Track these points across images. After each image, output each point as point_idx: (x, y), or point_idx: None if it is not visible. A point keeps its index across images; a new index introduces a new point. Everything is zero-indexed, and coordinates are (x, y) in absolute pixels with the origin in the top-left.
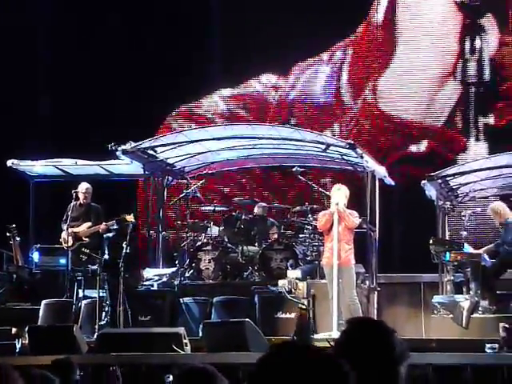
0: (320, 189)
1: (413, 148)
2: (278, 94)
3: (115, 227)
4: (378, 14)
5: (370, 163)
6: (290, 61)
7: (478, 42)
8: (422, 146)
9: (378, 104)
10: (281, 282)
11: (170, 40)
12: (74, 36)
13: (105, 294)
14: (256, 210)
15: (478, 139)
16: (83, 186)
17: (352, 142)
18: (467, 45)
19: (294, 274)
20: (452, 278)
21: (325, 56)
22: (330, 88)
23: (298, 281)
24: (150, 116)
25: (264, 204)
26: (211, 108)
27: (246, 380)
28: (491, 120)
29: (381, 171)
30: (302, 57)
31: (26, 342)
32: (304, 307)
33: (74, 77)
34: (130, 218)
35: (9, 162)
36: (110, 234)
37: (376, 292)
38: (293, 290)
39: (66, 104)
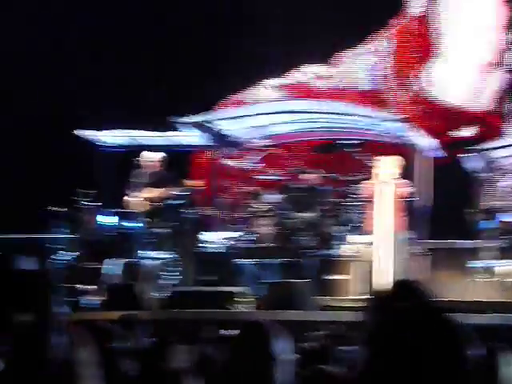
0: (371, 160)
1: (459, 133)
2: (323, 83)
3: (180, 194)
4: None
5: (418, 137)
6: (335, 49)
7: None
8: (468, 131)
9: (424, 92)
10: (344, 247)
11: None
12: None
13: (173, 256)
14: (311, 178)
15: None
16: (153, 155)
17: (403, 117)
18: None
19: (356, 238)
20: (490, 244)
21: (370, 44)
22: (375, 76)
23: (360, 245)
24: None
25: (318, 173)
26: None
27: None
28: None
29: (431, 144)
30: (347, 45)
31: (101, 299)
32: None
33: (141, 48)
34: (193, 184)
35: (80, 132)
36: (178, 200)
37: (424, 257)
38: (355, 254)
39: (134, 74)
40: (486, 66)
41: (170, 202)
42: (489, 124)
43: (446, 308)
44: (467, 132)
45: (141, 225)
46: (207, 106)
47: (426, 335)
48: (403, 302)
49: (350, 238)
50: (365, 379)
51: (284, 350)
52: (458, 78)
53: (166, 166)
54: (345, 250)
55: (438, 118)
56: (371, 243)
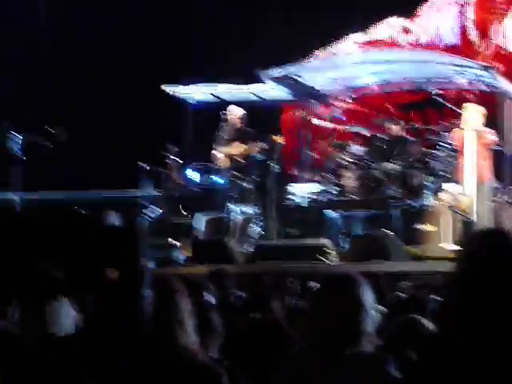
0: (456, 109)
1: None
2: (408, 36)
3: (265, 148)
4: None
5: (505, 84)
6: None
7: None
8: None
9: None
10: (444, 196)
11: None
12: None
13: (258, 210)
14: (396, 129)
15: None
16: (237, 111)
17: (487, 64)
18: None
19: (456, 188)
20: None
21: None
22: (457, 29)
23: (460, 195)
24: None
25: (404, 124)
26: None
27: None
28: None
29: None
30: None
31: (188, 253)
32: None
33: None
34: (278, 139)
35: (167, 89)
36: (263, 156)
37: (510, 206)
38: (455, 204)
39: (219, 30)
40: None
41: (255, 157)
42: None
43: None
44: None
45: (223, 180)
46: (292, 59)
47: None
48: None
49: (446, 186)
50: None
51: (370, 300)
52: None
53: (247, 121)
54: (440, 199)
55: None
56: (465, 192)
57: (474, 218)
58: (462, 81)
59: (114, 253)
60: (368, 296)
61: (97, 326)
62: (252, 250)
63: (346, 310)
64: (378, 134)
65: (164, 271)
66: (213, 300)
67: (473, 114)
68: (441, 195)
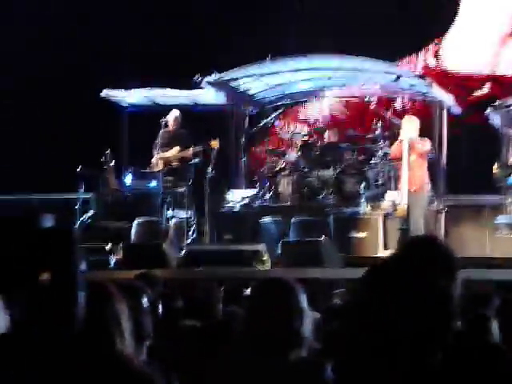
0: (391, 117)
1: (475, 94)
2: None
3: (201, 152)
4: None
5: (438, 93)
6: None
7: None
8: (484, 89)
9: (440, 64)
10: (384, 205)
11: None
12: None
13: (192, 215)
14: (332, 136)
15: None
16: (173, 114)
17: (421, 73)
18: None
19: (392, 196)
20: None
21: None
22: None
23: (399, 204)
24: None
25: (338, 131)
26: None
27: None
28: None
29: (448, 100)
30: None
31: (120, 257)
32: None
33: (162, 6)
34: (215, 143)
35: (103, 92)
36: (197, 159)
37: (443, 213)
38: (393, 212)
39: (157, 34)
40: (503, 36)
41: (191, 161)
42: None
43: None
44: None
45: (158, 185)
46: (230, 65)
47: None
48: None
49: (388, 195)
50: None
51: (305, 305)
52: (475, 48)
53: (181, 124)
54: (379, 206)
55: (452, 86)
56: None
57: (411, 226)
58: (397, 89)
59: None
60: (303, 301)
61: (28, 328)
62: (185, 255)
63: (283, 316)
64: (310, 141)
65: (97, 275)
66: (146, 304)
67: (407, 124)
68: (382, 203)
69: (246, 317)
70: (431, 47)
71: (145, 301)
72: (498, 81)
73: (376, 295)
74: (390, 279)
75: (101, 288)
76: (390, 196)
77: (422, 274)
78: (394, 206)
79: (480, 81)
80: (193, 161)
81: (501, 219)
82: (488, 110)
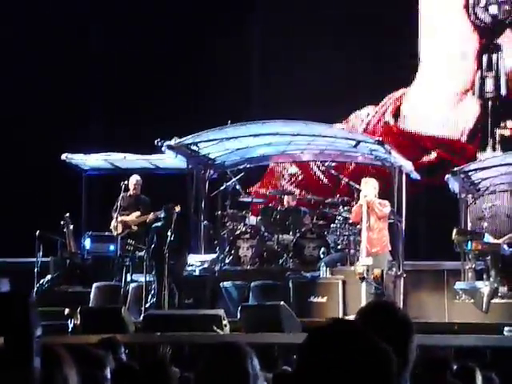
0: (350, 182)
1: (424, 158)
2: None
3: (162, 216)
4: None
5: (398, 159)
6: None
7: (494, 60)
8: (432, 155)
9: (398, 123)
10: (359, 269)
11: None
12: (125, 28)
13: (151, 279)
14: (291, 201)
15: (494, 149)
16: (134, 178)
17: (380, 139)
18: (484, 62)
19: (366, 261)
20: (473, 265)
21: None
22: None
23: (373, 268)
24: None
25: (298, 195)
26: None
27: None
28: (506, 132)
29: (407, 166)
30: None
31: (78, 322)
32: None
33: (124, 72)
34: (175, 207)
35: (63, 156)
36: (159, 223)
37: (402, 278)
38: (367, 276)
39: (117, 100)
40: (459, 94)
41: (151, 225)
42: (452, 149)
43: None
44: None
45: (114, 248)
46: (190, 130)
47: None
48: (380, 320)
49: (362, 259)
50: None
51: (257, 370)
52: (431, 106)
53: (142, 189)
54: (363, 272)
55: (405, 147)
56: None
57: (362, 290)
58: (357, 154)
59: (3, 320)
60: (256, 367)
61: None
62: (144, 320)
63: (233, 381)
64: (271, 205)
65: (52, 340)
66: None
67: (365, 186)
68: (357, 268)
69: (196, 382)
70: (391, 106)
71: (107, 371)
72: (448, 145)
73: (314, 361)
74: (329, 345)
75: (51, 353)
76: (364, 261)
77: (367, 339)
78: (369, 270)
79: (433, 143)
80: (154, 224)
81: (460, 285)
82: (447, 176)
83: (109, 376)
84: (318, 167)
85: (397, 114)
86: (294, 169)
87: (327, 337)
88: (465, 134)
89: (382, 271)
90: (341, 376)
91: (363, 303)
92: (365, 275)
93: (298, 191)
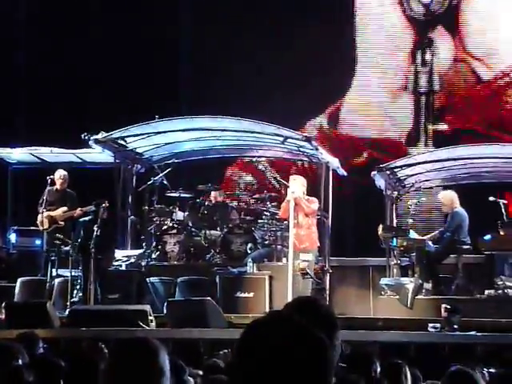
0: (278, 178)
1: (356, 159)
2: None
3: (92, 210)
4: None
5: (325, 155)
6: None
7: (428, 55)
8: (363, 156)
9: (334, 128)
10: (302, 265)
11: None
12: (53, 23)
13: (77, 274)
14: (218, 196)
15: (426, 145)
16: (60, 173)
17: (308, 135)
18: (419, 57)
19: (307, 256)
20: (398, 261)
21: None
22: None
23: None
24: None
25: (225, 191)
26: None
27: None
28: (440, 127)
29: (334, 163)
30: None
31: (3, 316)
32: None
33: (50, 65)
34: (102, 202)
35: None
36: (87, 218)
37: (328, 274)
38: (309, 271)
39: (43, 93)
40: (394, 89)
41: (78, 220)
42: (382, 147)
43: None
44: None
45: (40, 242)
46: (118, 124)
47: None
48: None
49: (302, 255)
50: None
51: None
52: (367, 107)
53: (68, 184)
54: (300, 266)
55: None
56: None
57: (289, 286)
58: (284, 150)
59: None
60: (165, 363)
61: None
62: (69, 314)
63: (140, 377)
64: (198, 200)
65: None
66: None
67: (293, 183)
68: (299, 263)
69: (104, 376)
70: (326, 111)
71: (19, 363)
72: (380, 144)
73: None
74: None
75: None
76: (305, 256)
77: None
78: (312, 264)
79: (366, 144)
80: (82, 219)
81: (385, 281)
82: (373, 173)
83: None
84: (274, 177)
85: (334, 118)
86: (249, 177)
87: (264, 328)
88: (400, 131)
89: (323, 266)
90: (280, 366)
91: (289, 299)
92: (308, 271)
93: (225, 188)
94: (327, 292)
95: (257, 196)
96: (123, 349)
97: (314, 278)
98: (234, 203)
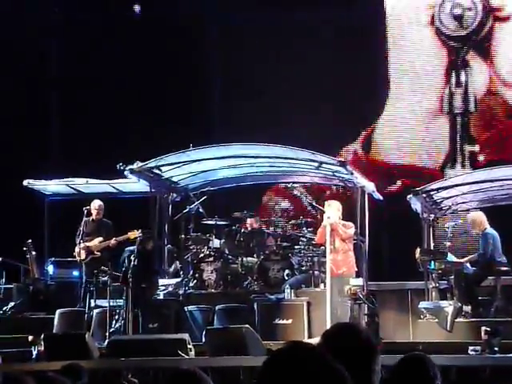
0: (314, 203)
1: (390, 187)
2: None
3: (124, 241)
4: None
5: (360, 179)
6: None
7: (463, 76)
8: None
9: (369, 153)
10: (353, 289)
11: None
12: (86, 55)
13: (115, 304)
14: (254, 223)
15: (463, 166)
16: (95, 203)
17: (343, 160)
18: (453, 79)
19: (357, 281)
20: (437, 285)
21: None
22: None
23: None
24: (160, 138)
25: (261, 218)
26: None
27: (255, 378)
28: (476, 148)
29: (370, 187)
30: None
31: (42, 348)
32: None
33: (86, 97)
34: (134, 233)
35: (25, 182)
36: (132, 248)
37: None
38: (361, 296)
39: (78, 124)
40: (429, 113)
41: (119, 249)
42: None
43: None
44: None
45: (78, 274)
46: (153, 154)
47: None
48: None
49: (352, 280)
50: None
51: None
52: (402, 131)
53: (104, 214)
54: (352, 290)
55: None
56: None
57: (328, 311)
58: (319, 176)
59: None
60: None
61: None
62: (108, 345)
63: None
64: (234, 227)
65: (16, 367)
66: None
67: (329, 209)
68: (351, 288)
69: None
70: (361, 136)
71: None
72: (414, 172)
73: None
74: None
75: (14, 379)
76: (355, 281)
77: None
78: (363, 289)
79: (401, 170)
80: (127, 248)
81: (424, 304)
82: (409, 196)
83: None
84: (309, 202)
85: (368, 143)
86: (285, 203)
87: (284, 360)
88: (436, 154)
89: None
90: None
91: (328, 325)
92: (360, 295)
93: (262, 214)
94: (365, 317)
95: (293, 222)
96: (176, 381)
97: (367, 302)
98: (271, 229)
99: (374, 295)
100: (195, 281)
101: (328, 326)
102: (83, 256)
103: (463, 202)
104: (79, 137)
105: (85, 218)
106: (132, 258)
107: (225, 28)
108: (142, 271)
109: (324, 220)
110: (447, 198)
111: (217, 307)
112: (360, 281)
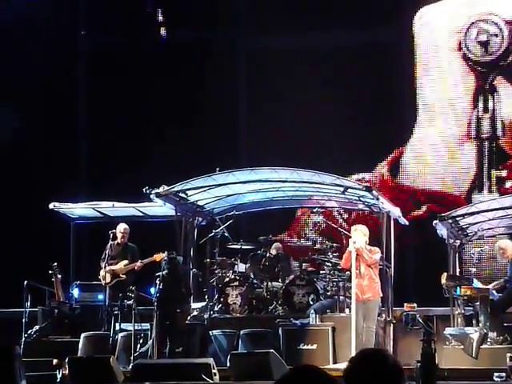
0: (339, 228)
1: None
2: None
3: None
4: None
5: (386, 204)
6: None
7: (490, 102)
8: (422, 210)
9: (395, 178)
10: (396, 313)
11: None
12: (112, 78)
13: (141, 327)
14: (279, 248)
15: (490, 191)
16: (121, 227)
17: (368, 185)
18: (480, 104)
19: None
20: (462, 311)
21: None
22: None
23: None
24: (186, 162)
25: (286, 243)
26: None
27: None
28: (503, 173)
29: (395, 212)
30: None
31: (67, 372)
32: None
33: (113, 121)
34: (160, 256)
35: (51, 205)
36: (164, 272)
37: (392, 324)
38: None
39: (105, 149)
40: (457, 138)
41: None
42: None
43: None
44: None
45: (103, 297)
46: (178, 178)
47: None
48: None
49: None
50: None
51: None
52: (428, 156)
53: (130, 237)
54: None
55: (401, 200)
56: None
57: (353, 337)
58: (345, 200)
59: None
60: None
61: None
62: (133, 369)
63: None
64: (259, 251)
65: None
66: None
67: (355, 234)
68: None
69: None
70: (387, 160)
71: None
72: (440, 198)
73: None
74: None
75: None
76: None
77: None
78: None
79: (427, 196)
80: (158, 273)
81: (449, 330)
82: (435, 222)
83: None
84: (341, 215)
85: (395, 167)
86: (318, 217)
87: (292, 381)
88: (462, 180)
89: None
90: None
91: (353, 350)
92: (419, 320)
93: (287, 239)
94: (391, 343)
95: (318, 246)
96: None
97: (426, 327)
98: (302, 241)
99: (431, 320)
100: (220, 305)
101: (353, 352)
102: (108, 279)
103: (489, 228)
104: (106, 160)
105: (110, 242)
106: (157, 282)
107: (252, 52)
108: (175, 295)
109: (350, 245)
110: (473, 224)
111: (241, 332)
112: (413, 305)
